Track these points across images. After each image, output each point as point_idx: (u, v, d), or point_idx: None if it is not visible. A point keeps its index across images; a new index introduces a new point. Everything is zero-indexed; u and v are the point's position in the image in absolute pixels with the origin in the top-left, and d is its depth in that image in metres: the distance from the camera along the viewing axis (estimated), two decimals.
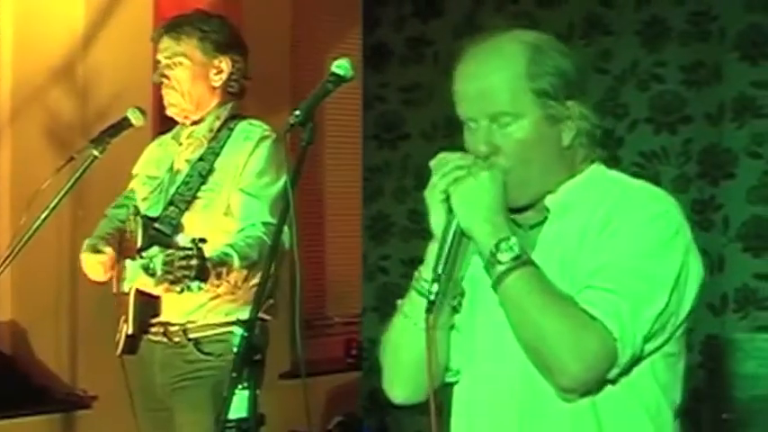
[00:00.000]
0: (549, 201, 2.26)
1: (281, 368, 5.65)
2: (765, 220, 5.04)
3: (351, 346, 6.66)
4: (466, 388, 2.35)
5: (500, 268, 2.13)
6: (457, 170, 2.22)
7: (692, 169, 5.21)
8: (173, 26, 3.71)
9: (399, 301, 2.34)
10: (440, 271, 2.21)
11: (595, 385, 2.13)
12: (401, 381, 2.37)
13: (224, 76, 3.70)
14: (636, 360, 2.13)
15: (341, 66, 2.58)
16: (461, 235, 2.22)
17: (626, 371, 2.13)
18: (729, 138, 5.15)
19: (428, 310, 2.21)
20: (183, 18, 3.75)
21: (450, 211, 2.22)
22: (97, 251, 3.64)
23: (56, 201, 3.63)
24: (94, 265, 3.65)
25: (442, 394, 2.39)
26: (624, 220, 2.17)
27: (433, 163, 2.28)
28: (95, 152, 3.67)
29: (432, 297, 2.20)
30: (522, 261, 2.13)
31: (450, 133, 6.60)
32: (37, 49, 5.11)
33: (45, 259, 4.91)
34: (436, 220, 2.26)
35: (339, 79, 2.57)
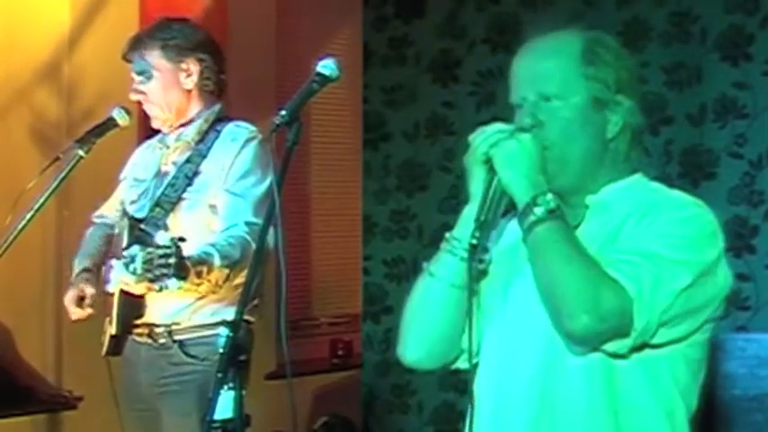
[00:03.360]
0: (589, 199, 2.31)
1: (267, 369, 5.66)
2: (746, 221, 5.07)
3: (336, 347, 6.67)
4: (490, 367, 2.37)
5: (532, 218, 2.18)
6: (498, 134, 2.26)
7: (673, 170, 5.23)
8: (135, 42, 3.74)
9: (425, 264, 2.39)
10: (482, 219, 2.26)
11: (604, 341, 2.15)
12: (417, 341, 2.42)
13: (194, 77, 3.70)
14: (650, 337, 2.15)
15: (326, 66, 2.58)
16: (502, 193, 2.26)
17: (640, 348, 2.17)
18: (711, 138, 5.18)
19: (471, 253, 2.26)
20: (145, 32, 3.78)
21: (491, 171, 2.26)
22: (80, 305, 3.64)
23: (41, 201, 3.65)
24: (72, 313, 3.66)
25: (463, 398, 2.42)
26: (659, 215, 2.23)
27: (472, 136, 2.31)
28: (81, 152, 3.68)
29: (474, 241, 2.25)
30: (556, 215, 2.18)
31: (431, 134, 6.66)
32: (22, 49, 5.10)
33: (30, 259, 4.90)
34: (476, 182, 2.30)
35: (324, 79, 2.57)
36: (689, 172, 5.21)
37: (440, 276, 2.35)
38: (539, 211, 2.18)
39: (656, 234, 2.19)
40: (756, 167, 5.07)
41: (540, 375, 2.25)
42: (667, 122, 5.28)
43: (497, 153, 2.24)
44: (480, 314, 2.38)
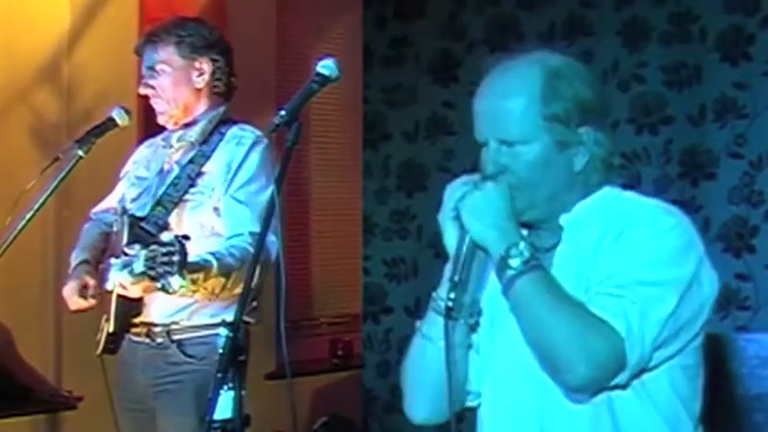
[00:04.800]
0: (563, 220, 2.28)
1: (267, 369, 5.67)
2: (746, 221, 5.07)
3: (336, 347, 6.67)
4: (488, 407, 2.37)
5: (510, 273, 2.15)
6: (463, 186, 2.24)
7: (673, 170, 5.23)
8: (150, 36, 3.74)
9: (418, 323, 2.35)
10: (456, 279, 2.23)
11: (604, 386, 2.14)
12: (422, 402, 2.39)
13: (206, 77, 3.71)
14: (646, 364, 2.14)
15: (326, 66, 2.58)
16: (474, 247, 2.23)
17: (636, 375, 2.15)
18: (711, 138, 5.17)
19: (446, 316, 2.24)
20: (160, 27, 3.77)
21: (462, 227, 2.23)
22: (83, 295, 3.61)
23: (41, 201, 3.64)
24: (73, 303, 3.63)
25: (465, 419, 2.42)
26: (636, 233, 2.19)
27: (446, 189, 2.30)
28: (80, 152, 3.68)
29: (449, 303, 2.23)
30: (532, 265, 2.15)
31: (431, 134, 6.65)
32: (22, 49, 5.10)
33: (30, 260, 4.91)
34: (449, 239, 2.27)
35: (324, 79, 2.58)
36: (689, 172, 5.21)
37: (432, 337, 2.31)
38: (514, 263, 2.15)
39: (634, 256, 2.16)
40: (756, 167, 5.07)
41: (539, 410, 2.24)
42: (667, 122, 5.28)
43: (464, 207, 2.22)
44: (475, 354, 2.38)
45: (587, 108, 2.25)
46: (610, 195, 2.31)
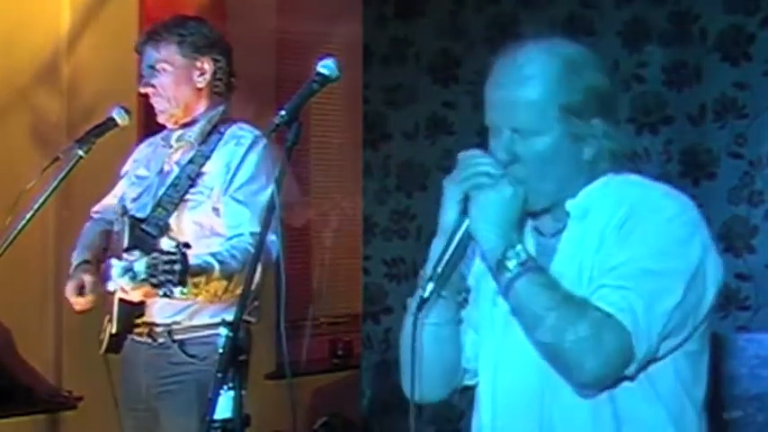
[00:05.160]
0: (569, 205, 2.27)
1: (267, 369, 5.67)
2: (746, 221, 5.07)
3: (336, 347, 6.67)
4: (487, 388, 2.37)
5: (508, 275, 2.15)
6: (483, 177, 2.21)
7: (673, 169, 5.23)
8: (151, 35, 3.73)
9: (408, 300, 2.35)
10: (438, 270, 2.22)
11: (613, 381, 2.14)
12: (416, 381, 2.34)
13: (207, 76, 3.71)
14: (653, 356, 2.13)
15: (326, 66, 2.58)
16: (469, 238, 2.22)
17: (644, 367, 2.14)
18: (711, 138, 5.18)
19: (419, 308, 2.24)
20: (161, 25, 3.76)
21: (463, 212, 2.22)
22: (80, 293, 3.60)
23: (41, 201, 3.64)
24: (74, 303, 3.64)
25: (462, 397, 2.42)
26: (640, 220, 2.18)
27: (462, 156, 2.27)
28: (81, 152, 3.68)
29: (425, 294, 2.22)
30: (529, 267, 2.14)
31: (431, 134, 6.63)
32: (22, 49, 5.10)
33: (30, 259, 4.91)
34: (447, 217, 2.25)
35: (325, 79, 2.58)
36: (689, 171, 5.21)
37: (422, 316, 2.29)
38: (511, 265, 2.14)
39: (639, 246, 2.15)
40: (756, 167, 5.07)
41: (540, 393, 2.24)
42: (667, 122, 5.28)
43: (476, 199, 2.20)
44: (473, 332, 2.38)
45: (600, 98, 2.24)
46: (615, 180, 2.30)
